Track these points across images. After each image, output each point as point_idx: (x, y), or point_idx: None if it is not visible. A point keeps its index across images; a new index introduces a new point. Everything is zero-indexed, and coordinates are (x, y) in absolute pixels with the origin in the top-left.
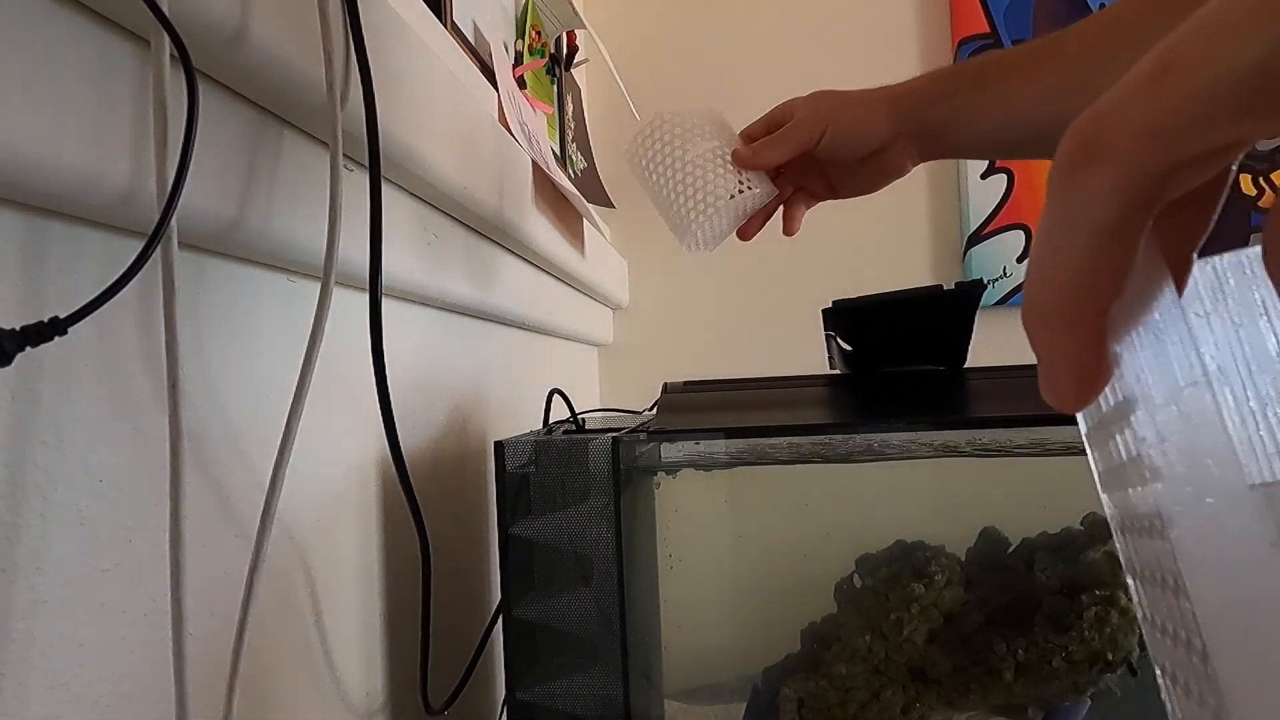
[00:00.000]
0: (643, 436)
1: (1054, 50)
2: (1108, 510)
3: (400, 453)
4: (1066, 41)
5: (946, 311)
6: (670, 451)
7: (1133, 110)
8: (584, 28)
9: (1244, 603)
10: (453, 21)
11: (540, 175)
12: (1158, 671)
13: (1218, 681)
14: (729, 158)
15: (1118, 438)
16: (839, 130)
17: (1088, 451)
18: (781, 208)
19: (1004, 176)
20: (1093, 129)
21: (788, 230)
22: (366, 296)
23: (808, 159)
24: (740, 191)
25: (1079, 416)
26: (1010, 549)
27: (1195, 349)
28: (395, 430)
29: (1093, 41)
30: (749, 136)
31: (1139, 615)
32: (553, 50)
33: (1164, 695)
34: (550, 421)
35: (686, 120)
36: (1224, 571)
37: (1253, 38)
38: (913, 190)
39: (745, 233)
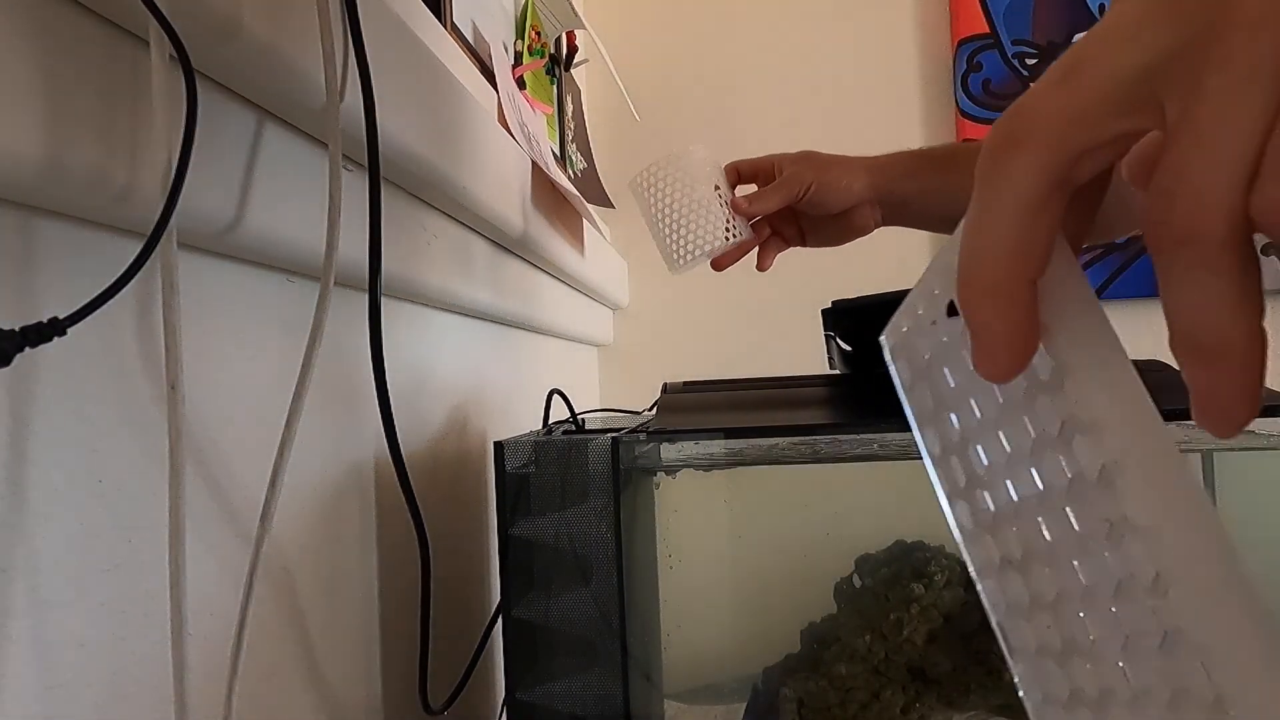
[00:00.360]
0: (642, 436)
1: (957, 157)
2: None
3: (400, 453)
4: (960, 154)
5: None
6: (670, 451)
7: (1049, 102)
8: (584, 28)
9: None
10: (452, 22)
11: (540, 175)
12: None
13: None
14: (723, 201)
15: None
16: (822, 187)
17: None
18: (757, 248)
19: None
20: (1014, 121)
21: (760, 267)
22: (366, 296)
23: (788, 209)
24: (727, 231)
25: None
26: None
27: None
28: (395, 430)
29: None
30: (734, 170)
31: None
32: (552, 50)
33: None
34: (550, 421)
35: (690, 163)
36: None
37: (1142, 42)
38: None
39: (719, 264)
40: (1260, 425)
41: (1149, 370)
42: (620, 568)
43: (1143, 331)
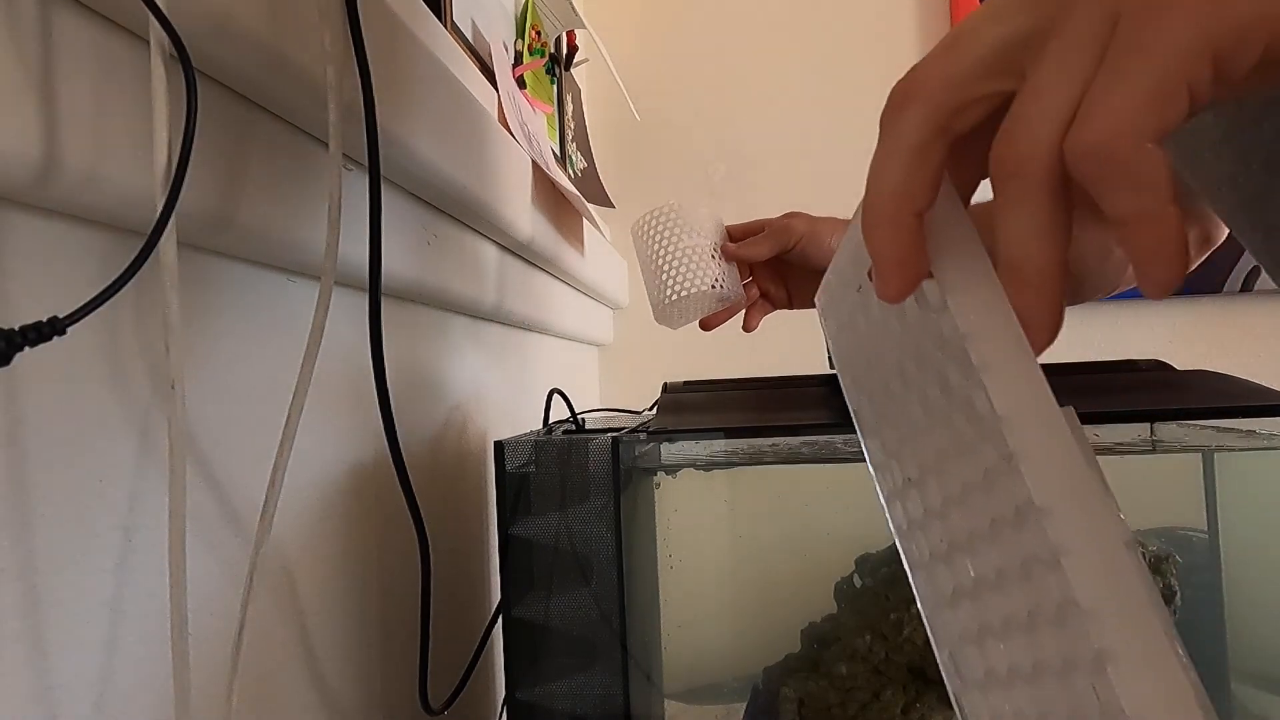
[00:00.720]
0: (643, 436)
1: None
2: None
3: (400, 452)
4: (975, 212)
5: None
6: (670, 451)
7: (933, 68)
8: (584, 28)
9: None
10: (452, 21)
11: (540, 175)
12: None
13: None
14: (717, 254)
15: None
16: (811, 241)
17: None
18: (744, 312)
19: None
20: (907, 83)
21: (746, 328)
22: (366, 296)
23: (776, 269)
24: (716, 283)
25: None
26: None
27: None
28: (395, 430)
29: (983, 217)
30: (729, 232)
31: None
32: (552, 50)
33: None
34: (550, 421)
35: (691, 215)
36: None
37: (1008, 22)
38: None
39: (707, 324)
40: (1260, 425)
41: (1149, 370)
42: (620, 567)
43: (1143, 331)
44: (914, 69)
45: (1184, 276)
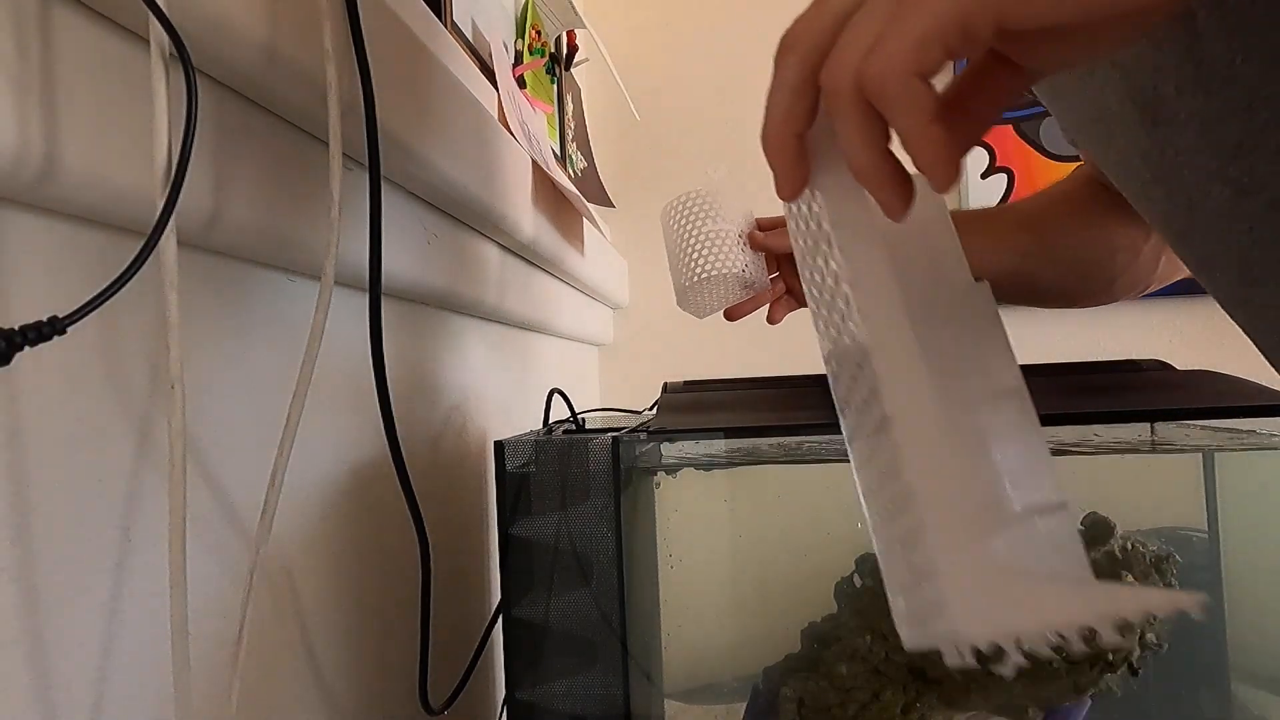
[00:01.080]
0: (643, 436)
1: (994, 219)
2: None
3: (400, 452)
4: (1004, 215)
5: None
6: (670, 451)
7: (805, 23)
8: (584, 27)
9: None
10: (452, 21)
11: (540, 175)
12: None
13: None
14: (744, 241)
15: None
16: None
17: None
18: (768, 305)
19: (1004, 176)
20: (788, 35)
21: (771, 319)
22: (366, 296)
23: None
24: (744, 270)
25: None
26: None
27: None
28: (395, 430)
29: (1012, 222)
30: (758, 224)
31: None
32: (553, 50)
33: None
34: (550, 421)
35: (721, 202)
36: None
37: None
38: None
39: (732, 313)
40: (1260, 425)
41: (1150, 370)
42: (620, 567)
43: (1144, 331)
44: (794, 23)
45: (953, 180)
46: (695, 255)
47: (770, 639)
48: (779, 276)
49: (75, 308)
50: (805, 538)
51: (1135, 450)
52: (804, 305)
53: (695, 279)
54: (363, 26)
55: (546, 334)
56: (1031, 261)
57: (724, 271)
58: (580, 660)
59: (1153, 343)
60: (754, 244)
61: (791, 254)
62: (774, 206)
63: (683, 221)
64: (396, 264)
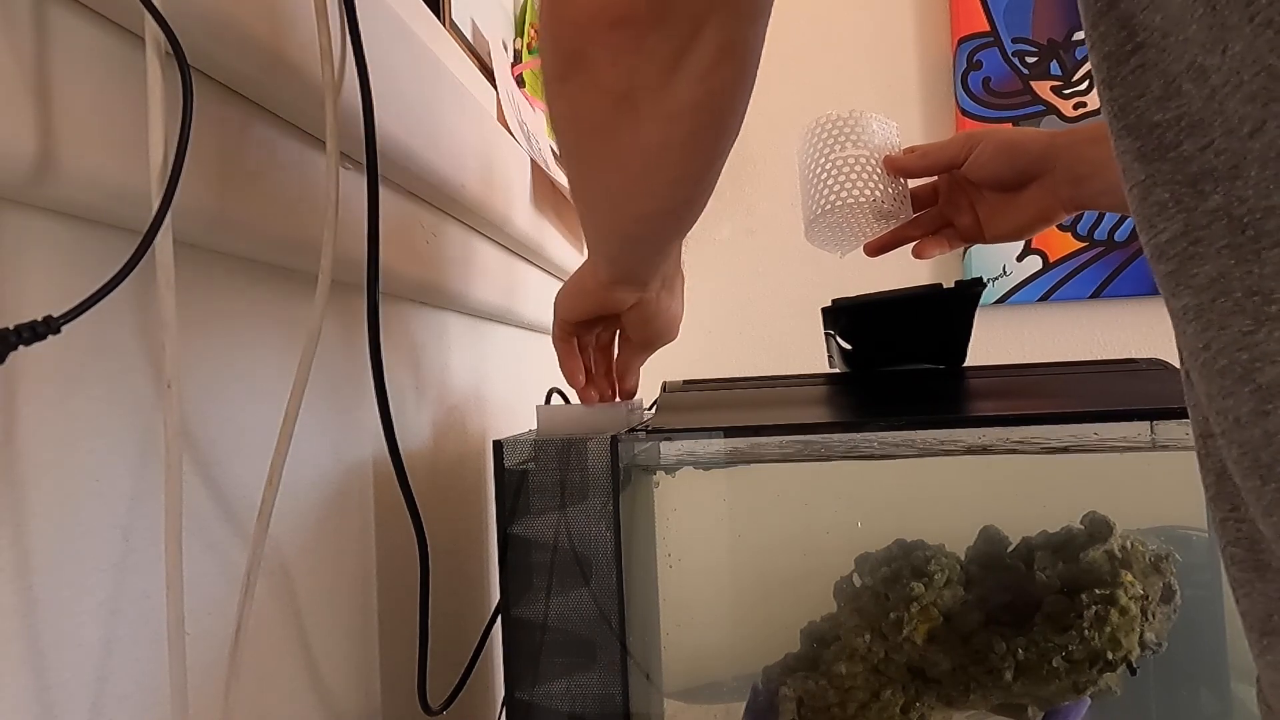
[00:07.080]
0: (642, 435)
1: None
2: None
3: (398, 452)
4: None
5: (946, 310)
6: (669, 450)
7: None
8: None
9: None
10: (451, 20)
11: (540, 174)
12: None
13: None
14: (881, 169)
15: None
16: (989, 145)
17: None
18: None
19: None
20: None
21: (917, 254)
22: (365, 296)
23: (964, 193)
24: (878, 201)
25: None
26: (1010, 548)
27: None
28: (393, 430)
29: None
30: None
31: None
32: None
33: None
34: None
35: (861, 126)
36: None
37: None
38: None
39: (871, 248)
40: None
41: (1149, 369)
42: (620, 567)
43: (1144, 331)
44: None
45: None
46: (823, 183)
47: (770, 638)
48: (936, 211)
49: (70, 306)
50: (804, 537)
51: (1135, 450)
52: (970, 242)
53: (821, 209)
54: (361, 25)
55: (546, 333)
56: None
57: (851, 200)
58: (579, 660)
59: (1152, 342)
60: (888, 167)
61: (951, 186)
62: (775, 207)
63: (817, 145)
64: (395, 263)
